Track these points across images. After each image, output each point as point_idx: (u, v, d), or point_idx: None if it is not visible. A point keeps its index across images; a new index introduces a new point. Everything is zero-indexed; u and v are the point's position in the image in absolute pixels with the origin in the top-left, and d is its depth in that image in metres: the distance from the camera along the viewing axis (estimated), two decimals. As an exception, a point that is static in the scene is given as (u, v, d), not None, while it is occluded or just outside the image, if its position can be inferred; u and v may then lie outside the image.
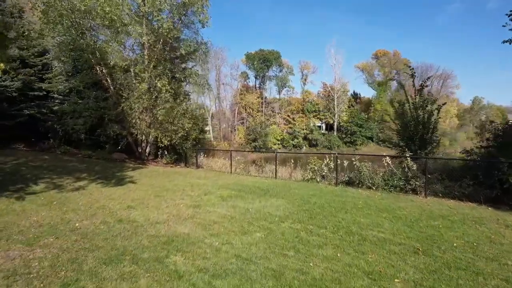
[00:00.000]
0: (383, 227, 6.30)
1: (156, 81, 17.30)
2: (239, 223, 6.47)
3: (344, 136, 72.47)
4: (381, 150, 73.06)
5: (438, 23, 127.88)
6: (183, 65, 21.87)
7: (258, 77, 76.81)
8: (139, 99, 17.55)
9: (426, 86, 13.86)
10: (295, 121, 72.34)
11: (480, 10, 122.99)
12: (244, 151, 20.56)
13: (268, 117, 73.95)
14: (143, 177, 13.83)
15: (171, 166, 19.80)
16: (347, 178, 13.11)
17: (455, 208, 8.31)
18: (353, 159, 13.07)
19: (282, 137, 70.79)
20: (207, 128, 71.02)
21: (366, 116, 72.83)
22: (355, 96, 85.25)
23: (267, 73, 74.75)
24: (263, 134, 66.03)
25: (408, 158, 11.73)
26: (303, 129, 72.06)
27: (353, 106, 77.61)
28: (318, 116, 76.71)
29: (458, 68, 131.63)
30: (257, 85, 77.70)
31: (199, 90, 21.32)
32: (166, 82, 17.38)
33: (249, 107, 71.23)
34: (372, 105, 74.72)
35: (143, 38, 17.46)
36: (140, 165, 18.58)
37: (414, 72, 13.93)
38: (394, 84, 79.63)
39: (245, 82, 77.92)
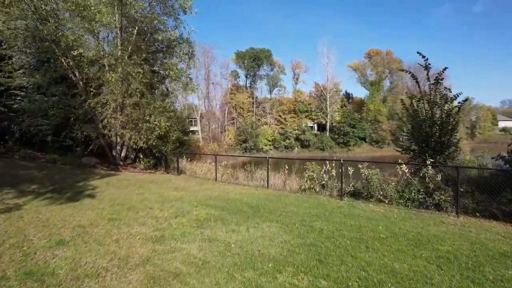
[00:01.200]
0: (433, 282, 4.14)
1: (128, 70, 14.91)
2: (213, 277, 4.23)
3: (336, 136, 70.77)
4: (374, 150, 71.88)
5: (429, 24, 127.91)
6: (166, 61, 19.48)
7: (248, 76, 74.58)
8: (111, 94, 15.17)
9: (442, 79, 11.78)
10: (286, 121, 70.36)
11: (468, 12, 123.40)
12: (231, 155, 18.12)
13: (259, 117, 71.78)
14: (109, 187, 11.47)
15: (149, 173, 17.43)
16: (352, 189, 11.01)
17: (509, 237, 6.21)
18: (360, 165, 10.97)
19: (273, 137, 68.71)
20: (195, 129, 68.61)
21: (359, 116, 71.27)
22: (347, 96, 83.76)
23: (258, 72, 72.61)
24: (254, 135, 63.83)
25: (429, 166, 9.65)
26: (295, 130, 70.11)
27: (345, 106, 76.03)
28: (310, 116, 74.89)
29: (448, 68, 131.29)
30: (247, 85, 75.48)
31: (183, 87, 18.79)
32: (140, 71, 15.01)
33: (240, 107, 68.96)
34: (365, 105, 73.24)
35: (114, 22, 15.06)
36: (112, 172, 16.16)
37: (429, 63, 11.80)
38: (386, 84, 78.42)
39: (236, 82, 75.65)
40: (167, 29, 16.85)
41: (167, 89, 21.03)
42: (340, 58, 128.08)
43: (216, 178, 14.91)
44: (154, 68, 17.51)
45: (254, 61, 69.70)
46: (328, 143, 69.47)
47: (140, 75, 15.04)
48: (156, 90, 16.94)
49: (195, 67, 64.83)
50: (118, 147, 18.42)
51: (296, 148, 70.75)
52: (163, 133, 16.81)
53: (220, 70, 70.63)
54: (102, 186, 11.80)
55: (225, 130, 64.46)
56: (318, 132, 79.43)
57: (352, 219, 7.40)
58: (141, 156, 18.92)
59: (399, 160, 11.00)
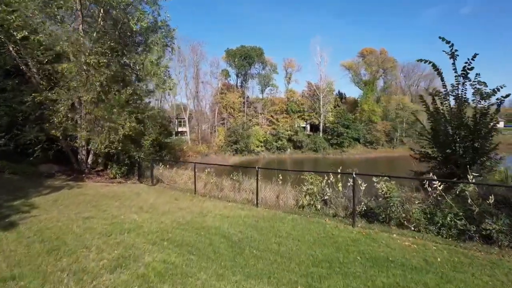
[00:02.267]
0: None
1: (88, 60, 12.30)
2: None
3: (330, 137, 68.73)
4: (369, 152, 70.01)
5: (419, 25, 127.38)
6: (139, 53, 16.83)
7: (239, 75, 72.06)
8: (65, 88, 12.57)
9: (472, 68, 9.38)
10: (279, 122, 68.02)
11: (456, 14, 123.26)
12: (212, 164, 15.50)
13: (250, 117, 69.29)
14: (52, 208, 8.86)
15: (118, 183, 14.80)
16: (364, 207, 8.65)
17: None
18: (374, 179, 8.60)
19: (265, 138, 66.28)
20: (184, 129, 65.79)
21: (353, 117, 69.38)
22: (340, 96, 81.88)
23: (249, 71, 70.12)
24: (245, 136, 61.31)
25: (470, 183, 7.31)
26: (288, 130, 67.83)
27: (338, 106, 74.09)
28: (302, 116, 72.77)
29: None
30: (238, 84, 72.94)
31: (158, 83, 16.15)
32: (104, 62, 12.43)
33: (230, 107, 66.38)
34: (359, 105, 71.39)
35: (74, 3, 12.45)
36: (72, 183, 13.50)
37: (455, 50, 9.39)
38: (379, 84, 76.75)
39: (226, 81, 73.05)
40: (142, 16, 14.23)
41: (145, 86, 18.42)
42: (333, 57, 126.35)
43: (195, 191, 12.36)
44: (124, 61, 14.86)
45: (245, 59, 67.21)
46: (321, 144, 67.37)
47: (103, 67, 12.42)
48: (128, 87, 14.28)
49: (181, 63, 62.11)
50: (84, 152, 15.73)
51: (289, 149, 68.47)
52: (130, 135, 14.21)
53: (210, 69, 67.93)
54: (45, 205, 9.18)
55: (215, 131, 61.77)
56: (311, 133, 77.31)
57: (380, 269, 4.97)
58: (112, 162, 16.27)
59: (395, 168, 8.66)
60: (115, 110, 12.76)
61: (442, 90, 10.05)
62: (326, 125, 70.10)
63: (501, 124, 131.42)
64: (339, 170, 10.34)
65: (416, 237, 6.78)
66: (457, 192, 7.50)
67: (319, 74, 70.27)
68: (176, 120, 68.31)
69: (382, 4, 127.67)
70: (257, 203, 10.01)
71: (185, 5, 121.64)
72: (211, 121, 66.80)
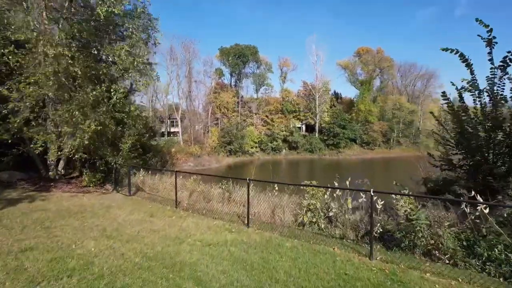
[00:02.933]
0: None
1: (48, 51, 10.44)
2: None
3: (326, 138, 67.25)
4: (365, 152, 68.53)
5: (414, 25, 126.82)
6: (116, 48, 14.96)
7: (233, 74, 70.27)
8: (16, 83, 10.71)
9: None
10: (273, 122, 66.35)
11: (451, 15, 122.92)
12: (196, 173, 13.54)
13: (244, 117, 67.52)
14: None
15: (92, 192, 12.93)
16: (380, 229, 6.94)
17: None
18: (394, 197, 6.91)
19: (260, 139, 64.60)
20: (176, 130, 63.75)
21: (349, 117, 67.98)
22: (336, 96, 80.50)
23: (243, 70, 68.35)
24: (239, 137, 59.54)
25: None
26: (283, 131, 66.19)
27: (334, 106, 72.67)
28: (298, 116, 71.22)
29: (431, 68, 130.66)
30: (232, 83, 71.14)
31: (139, 76, 14.29)
32: (67, 53, 10.58)
33: (224, 107, 64.56)
34: (355, 105, 70.05)
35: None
36: (34, 193, 11.61)
37: (493, 36, 7.67)
38: (375, 83, 75.53)
39: (220, 80, 71.20)
40: (114, 1, 12.33)
41: (124, 81, 16.57)
42: (329, 56, 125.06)
43: (176, 205, 10.56)
44: (97, 53, 12.97)
45: (239, 58, 65.42)
46: (317, 145, 65.86)
47: (67, 58, 10.57)
48: (103, 84, 12.43)
49: (173, 61, 59.94)
50: (52, 158, 13.81)
51: (284, 150, 66.83)
52: (108, 137, 12.38)
53: (204, 68, 65.93)
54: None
55: (208, 131, 59.87)
56: (307, 133, 75.78)
57: None
58: (86, 169, 14.40)
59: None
60: (77, 112, 10.87)
61: (466, 84, 8.34)
62: (322, 125, 68.60)
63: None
64: (336, 175, 8.86)
65: (460, 280, 5.06)
66: (505, 215, 5.84)
67: (315, 73, 68.88)
68: (169, 120, 66.30)
69: (376, 4, 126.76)
70: (248, 222, 8.24)
71: (179, 5, 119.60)
72: (204, 122, 64.94)
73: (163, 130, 65.29)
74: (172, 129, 66.12)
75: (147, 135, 19.80)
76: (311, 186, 8.35)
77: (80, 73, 11.42)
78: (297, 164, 59.92)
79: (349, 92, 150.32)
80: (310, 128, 75.87)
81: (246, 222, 8.31)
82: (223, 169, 50.76)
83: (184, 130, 60.75)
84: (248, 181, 8.38)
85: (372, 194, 6.06)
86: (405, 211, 6.57)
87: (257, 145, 63.99)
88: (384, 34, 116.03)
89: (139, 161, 16.99)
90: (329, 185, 8.07)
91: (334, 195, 8.37)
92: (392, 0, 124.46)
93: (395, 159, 63.79)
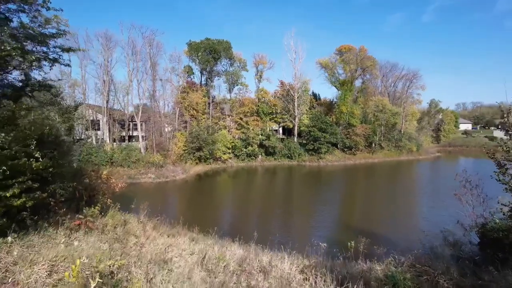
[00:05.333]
0: None
1: None
2: None
3: (305, 142, 61.93)
4: (348, 158, 63.13)
5: (384, 29, 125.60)
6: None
7: (204, 72, 63.46)
8: None
9: None
10: (248, 125, 60.11)
11: (418, 20, 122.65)
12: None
13: (216, 120, 60.88)
14: None
15: None
16: None
17: None
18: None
19: (233, 144, 58.21)
20: (136, 134, 56.09)
21: (330, 119, 63.13)
22: (315, 97, 75.72)
23: (215, 68, 61.74)
24: (210, 142, 52.84)
25: None
26: (259, 135, 60.18)
27: (314, 108, 67.68)
28: (275, 118, 65.56)
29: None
30: (203, 82, 64.30)
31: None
32: None
33: (193, 108, 57.62)
34: (336, 107, 65.27)
35: None
36: None
37: None
38: (355, 84, 71.23)
39: (190, 78, 64.22)
40: None
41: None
42: (309, 53, 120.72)
43: None
44: None
45: (210, 53, 58.79)
46: (296, 151, 60.40)
47: None
48: None
49: (134, 56, 52.05)
50: None
51: (260, 156, 60.85)
52: None
53: (171, 65, 58.59)
54: None
55: (175, 136, 52.77)
56: (284, 136, 70.28)
57: None
58: None
59: None
60: None
61: None
62: (301, 128, 63.30)
63: (468, 126, 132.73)
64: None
65: None
66: None
67: (293, 72, 63.41)
68: (131, 123, 58.55)
69: (349, 7, 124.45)
70: None
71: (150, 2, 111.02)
72: (172, 125, 57.82)
73: (123, 134, 57.58)
74: (136, 133, 58.40)
75: (54, 152, 12.61)
76: None
77: None
78: (274, 172, 54.22)
79: (328, 93, 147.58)
80: (288, 131, 70.49)
81: None
82: (191, 180, 44.08)
83: (146, 135, 53.35)
84: None
85: None
86: None
87: (230, 150, 57.68)
88: (355, 38, 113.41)
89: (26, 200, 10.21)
90: None
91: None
92: (365, 4, 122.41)
93: (378, 165, 59.68)
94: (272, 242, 16.69)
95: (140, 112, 50.64)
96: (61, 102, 41.65)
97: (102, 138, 51.42)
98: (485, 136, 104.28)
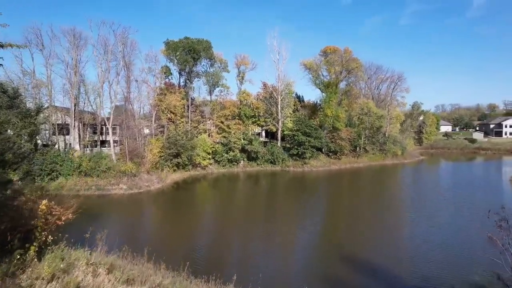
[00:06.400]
0: None
1: None
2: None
3: (289, 146, 59.55)
4: (333, 163, 60.50)
5: (363, 31, 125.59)
6: None
7: (183, 73, 60.03)
8: None
9: None
10: (230, 128, 57.22)
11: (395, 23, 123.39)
12: None
13: (196, 124, 57.63)
14: None
15: None
16: None
17: None
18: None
19: (214, 149, 55.18)
20: (108, 138, 52.12)
21: (314, 122, 61.08)
22: (298, 99, 73.51)
23: (194, 68, 58.36)
24: (189, 147, 49.63)
25: None
26: (241, 139, 57.41)
27: (298, 111, 65.44)
28: (257, 122, 62.95)
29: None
30: (181, 83, 60.87)
31: None
32: None
33: (171, 112, 54.21)
34: (321, 109, 63.26)
35: None
36: None
37: None
38: (341, 86, 69.58)
39: (168, 79, 60.68)
40: None
41: None
42: (293, 54, 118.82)
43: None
44: None
45: (189, 53, 55.43)
46: (279, 156, 57.99)
47: None
48: None
49: (106, 55, 47.68)
50: None
51: (242, 162, 58.09)
52: None
53: (148, 65, 54.71)
54: None
55: (150, 142, 49.21)
56: (267, 139, 67.78)
57: None
58: None
59: None
60: None
61: None
62: (285, 132, 60.93)
63: (448, 128, 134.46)
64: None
65: None
66: None
67: (276, 73, 60.94)
68: (105, 127, 54.41)
69: (328, 10, 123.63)
70: None
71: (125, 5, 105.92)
72: (149, 129, 54.24)
73: (95, 139, 53.45)
74: (109, 138, 54.22)
75: None
76: None
77: None
78: (257, 179, 51.62)
79: (312, 95, 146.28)
80: (271, 134, 68.03)
81: None
82: (168, 190, 40.80)
83: (121, 140, 49.60)
84: None
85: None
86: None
87: (210, 156, 54.68)
88: (341, 37, 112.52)
89: None
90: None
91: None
92: (346, 6, 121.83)
93: (363, 170, 58.08)
94: (254, 283, 14.11)
95: (111, 116, 46.79)
96: (20, 105, 37.82)
97: (71, 144, 47.25)
98: (465, 138, 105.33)
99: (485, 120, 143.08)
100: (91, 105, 55.00)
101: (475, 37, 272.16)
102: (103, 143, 55.88)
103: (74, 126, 46.13)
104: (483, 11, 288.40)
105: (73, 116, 45.70)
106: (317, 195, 39.63)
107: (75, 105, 46.63)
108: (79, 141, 48.84)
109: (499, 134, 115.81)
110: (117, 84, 47.20)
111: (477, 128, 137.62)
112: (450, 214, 27.58)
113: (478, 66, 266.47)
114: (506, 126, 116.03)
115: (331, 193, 41.85)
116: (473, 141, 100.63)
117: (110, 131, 45.56)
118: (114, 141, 53.17)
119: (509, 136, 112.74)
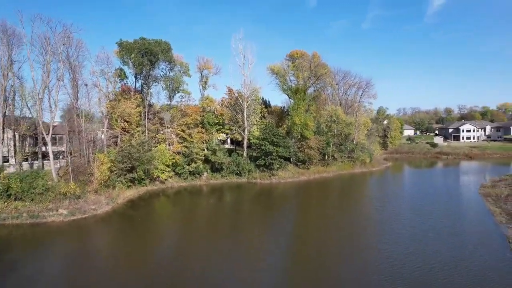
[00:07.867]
0: None
1: None
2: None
3: (256, 155, 55.97)
4: (301, 173, 57.11)
5: (328, 35, 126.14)
6: None
7: (139, 77, 54.55)
8: None
9: None
10: (192, 137, 52.65)
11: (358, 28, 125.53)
12: None
13: (154, 133, 52.45)
14: None
15: None
16: None
17: None
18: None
19: (174, 161, 50.30)
20: (62, 149, 45.34)
21: (284, 131, 58.15)
22: (265, 104, 70.26)
23: (152, 72, 53.08)
24: (145, 160, 44.55)
25: None
26: (203, 149, 53.07)
27: (265, 118, 62.21)
28: (222, 130, 58.97)
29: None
30: (137, 88, 55.28)
31: None
32: None
33: (125, 120, 48.70)
34: (289, 117, 60.38)
35: None
36: None
37: None
38: (308, 91, 67.29)
39: (123, 83, 54.92)
40: None
41: None
42: (260, 58, 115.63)
43: None
44: None
45: (146, 55, 50.18)
46: (245, 167, 54.35)
47: None
48: None
49: (47, 55, 41.03)
50: None
51: (206, 173, 53.72)
52: None
53: (100, 67, 48.42)
54: None
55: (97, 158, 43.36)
56: (232, 146, 63.75)
57: None
58: None
59: None
60: None
61: None
62: (251, 140, 57.40)
63: (411, 132, 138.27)
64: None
65: None
66: None
67: (242, 78, 57.22)
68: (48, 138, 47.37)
69: (296, 12, 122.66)
70: None
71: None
72: (99, 142, 48.27)
73: (36, 150, 46.47)
74: (57, 148, 47.18)
75: None
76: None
77: None
78: (221, 193, 47.74)
79: (279, 100, 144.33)
80: (236, 142, 64.19)
81: None
82: (119, 211, 35.66)
83: (63, 154, 43.32)
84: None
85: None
86: None
87: (170, 168, 49.83)
88: (307, 40, 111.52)
89: None
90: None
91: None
92: (310, 10, 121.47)
93: (333, 180, 55.99)
94: None
95: (51, 125, 40.52)
96: None
97: (4, 158, 40.30)
98: (427, 142, 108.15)
99: (444, 124, 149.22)
100: (30, 112, 47.91)
101: (431, 43, 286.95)
102: (46, 156, 48.98)
103: (3, 138, 39.34)
104: (437, 18, 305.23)
105: (1, 125, 38.80)
106: (284, 213, 36.62)
107: (4, 113, 39.77)
108: (14, 154, 42.05)
109: (457, 138, 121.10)
110: (58, 89, 40.75)
111: (437, 132, 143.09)
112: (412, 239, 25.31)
113: (434, 71, 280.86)
114: (463, 131, 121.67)
115: (299, 210, 38.97)
116: (434, 145, 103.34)
117: (49, 144, 39.16)
118: (60, 153, 46.64)
119: (466, 140, 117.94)
